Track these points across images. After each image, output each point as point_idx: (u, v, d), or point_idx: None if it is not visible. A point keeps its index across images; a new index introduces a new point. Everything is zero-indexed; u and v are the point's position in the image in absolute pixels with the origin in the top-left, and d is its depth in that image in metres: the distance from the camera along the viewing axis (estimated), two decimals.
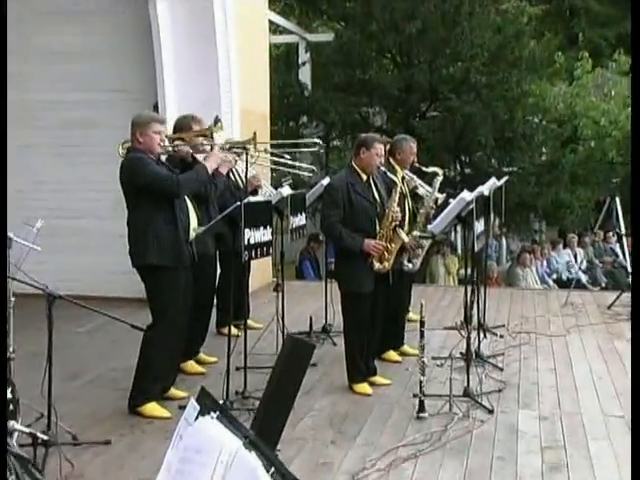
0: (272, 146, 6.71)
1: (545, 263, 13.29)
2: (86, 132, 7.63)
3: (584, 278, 12.62)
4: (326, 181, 6.31)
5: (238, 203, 4.41)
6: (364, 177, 5.03)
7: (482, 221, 5.43)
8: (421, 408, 4.59)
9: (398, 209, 5.00)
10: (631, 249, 5.41)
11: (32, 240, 4.11)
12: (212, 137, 4.92)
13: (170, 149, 4.67)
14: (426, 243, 5.65)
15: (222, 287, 6.24)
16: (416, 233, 5.46)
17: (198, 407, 1.50)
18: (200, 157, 4.89)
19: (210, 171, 4.62)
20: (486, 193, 5.94)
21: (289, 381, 1.68)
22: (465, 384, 4.95)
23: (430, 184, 6.04)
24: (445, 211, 4.98)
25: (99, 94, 7.79)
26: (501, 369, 5.58)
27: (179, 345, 4.77)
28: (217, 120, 4.89)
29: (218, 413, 1.46)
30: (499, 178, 6.99)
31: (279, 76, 13.49)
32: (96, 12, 7.77)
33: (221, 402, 4.55)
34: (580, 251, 13.53)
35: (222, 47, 7.60)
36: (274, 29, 14.94)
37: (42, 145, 7.92)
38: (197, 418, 1.49)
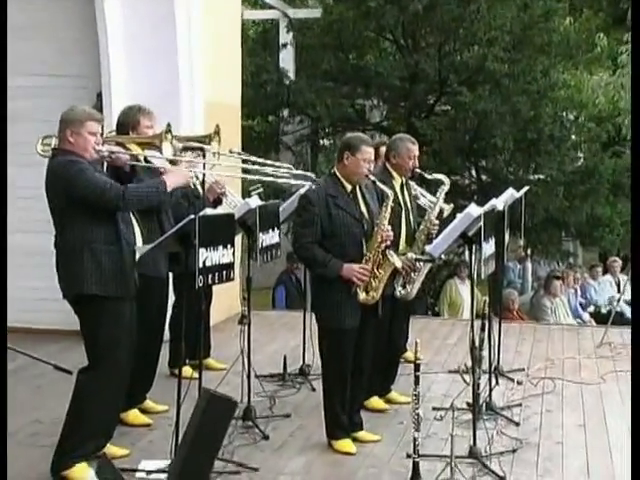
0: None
1: (580, 292, 13.31)
2: (10, 126, 7.60)
3: (628, 312, 12.62)
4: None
5: (192, 216, 4.40)
6: (348, 187, 5.03)
7: (493, 242, 5.44)
8: (415, 472, 4.57)
9: (389, 227, 4.99)
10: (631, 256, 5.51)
11: None
12: (160, 148, 4.93)
13: (105, 154, 4.66)
14: (424, 266, 5.66)
15: (175, 318, 6.24)
16: (411, 255, 5.46)
17: None
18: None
19: (169, 189, 4.63)
20: (500, 207, 5.96)
21: (205, 444, 1.67)
22: (471, 442, 4.93)
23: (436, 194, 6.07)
24: (447, 229, 4.99)
25: (28, 79, 7.76)
26: (517, 424, 5.58)
27: (120, 392, 4.75)
28: (168, 129, 4.90)
29: None
30: (520, 188, 7.01)
31: (254, 60, 13.56)
32: None
33: (167, 463, 4.52)
34: (624, 278, 13.53)
35: (182, 24, 7.63)
36: (249, 2, 15.05)
37: None
38: None
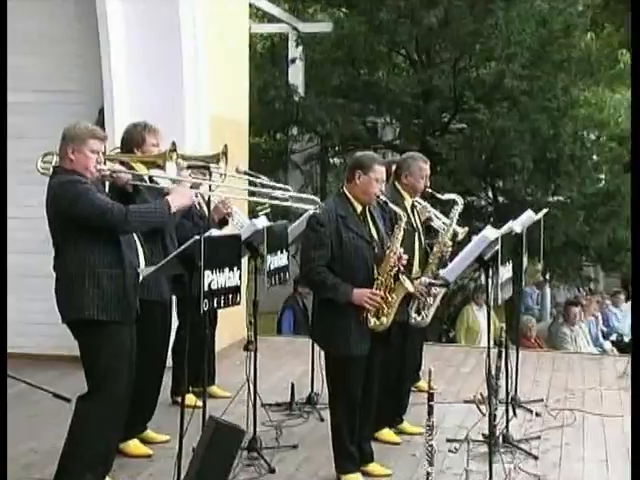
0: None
1: (601, 320, 13.27)
2: (11, 143, 7.64)
3: None
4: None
5: (196, 237, 4.41)
6: (359, 208, 5.03)
7: (510, 266, 5.44)
8: None
9: (401, 250, 4.99)
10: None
11: None
12: (163, 167, 4.95)
13: (107, 174, 4.69)
14: (439, 291, 5.66)
15: (179, 344, 6.24)
16: (425, 279, 5.46)
17: None
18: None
19: (174, 210, 4.65)
20: (518, 230, 5.96)
21: (211, 476, 1.68)
22: (487, 478, 4.90)
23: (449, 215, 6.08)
24: (462, 253, 4.99)
25: (27, 95, 7.82)
26: (536, 457, 5.56)
27: (119, 421, 4.75)
28: (173, 148, 4.92)
29: None
30: (538, 210, 7.01)
31: (262, 76, 13.61)
32: None
33: None
34: None
35: (188, 38, 7.68)
36: (257, 15, 15.13)
37: None
38: None
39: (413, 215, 5.84)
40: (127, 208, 4.50)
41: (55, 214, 4.52)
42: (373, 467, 5.17)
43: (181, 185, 4.78)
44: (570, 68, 13.11)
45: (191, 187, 5.42)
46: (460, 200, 6.12)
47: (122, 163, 5.06)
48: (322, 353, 5.84)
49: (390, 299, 4.95)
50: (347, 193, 5.04)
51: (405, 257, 4.99)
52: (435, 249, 5.86)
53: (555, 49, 13.04)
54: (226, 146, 5.87)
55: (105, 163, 4.70)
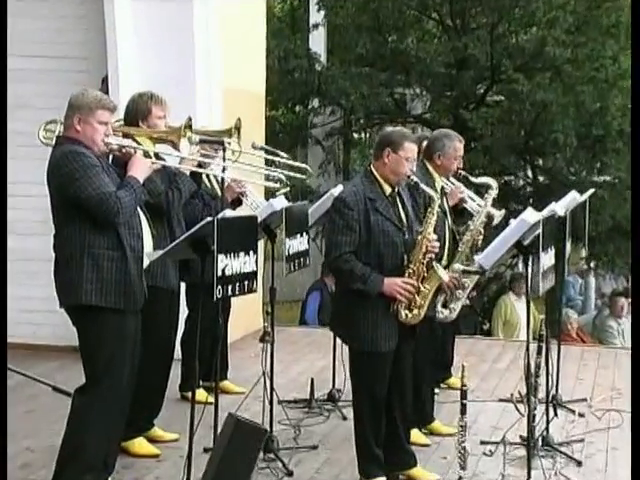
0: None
1: None
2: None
3: None
4: (339, 190, 6.32)
5: (209, 219, 4.41)
6: (387, 190, 5.00)
7: (552, 252, 5.41)
8: None
9: (435, 236, 4.96)
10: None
11: None
12: (177, 145, 4.94)
13: (115, 147, 4.68)
14: (470, 282, 5.63)
15: (188, 334, 6.26)
16: (458, 266, 5.42)
17: None
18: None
19: (141, 181, 4.64)
20: (561, 213, 5.92)
21: (230, 474, 1.68)
22: None
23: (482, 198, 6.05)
24: (499, 237, 4.96)
25: (22, 61, 7.77)
26: (579, 462, 5.53)
27: (121, 417, 4.76)
28: (189, 124, 4.91)
29: None
30: (583, 191, 6.98)
31: (280, 43, 13.59)
32: None
33: None
34: None
35: (199, 1, 7.67)
36: None
37: None
38: None
39: (443, 198, 5.81)
40: (120, 201, 4.44)
41: (55, 188, 4.51)
42: (416, 471, 5.15)
43: (135, 157, 4.73)
44: (619, 34, 12.99)
45: (199, 166, 5.43)
46: (495, 184, 6.07)
47: (127, 136, 5.04)
48: (345, 347, 5.85)
49: (423, 289, 4.92)
50: (375, 172, 5.00)
51: (438, 244, 4.97)
52: (466, 237, 5.81)
53: (603, 12, 12.94)
54: (239, 119, 5.86)
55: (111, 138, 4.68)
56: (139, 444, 5.44)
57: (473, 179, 6.15)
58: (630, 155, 12.67)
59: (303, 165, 6.69)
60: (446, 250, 5.68)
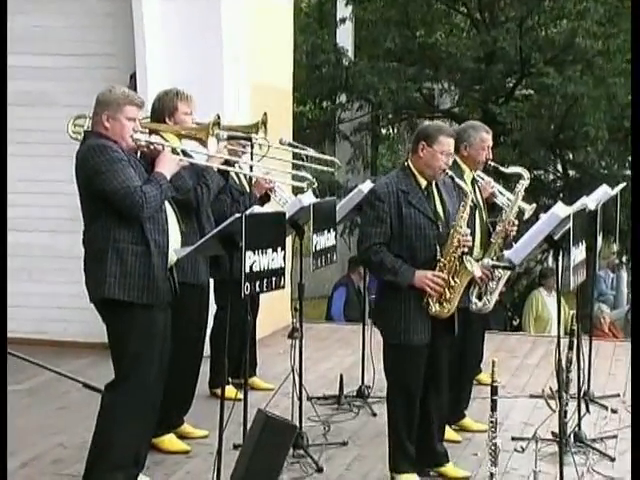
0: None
1: None
2: (34, 111, 7.73)
3: None
4: (367, 186, 6.31)
5: (237, 215, 4.42)
6: (423, 183, 5.00)
7: (583, 247, 5.38)
8: None
9: (468, 230, 4.95)
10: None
11: None
12: (205, 142, 4.95)
13: (143, 144, 4.70)
14: (502, 274, 5.61)
15: (217, 331, 6.28)
16: (488, 261, 5.41)
17: None
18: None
19: (168, 178, 4.66)
20: (592, 207, 5.88)
21: (260, 471, 1.69)
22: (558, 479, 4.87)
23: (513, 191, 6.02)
24: (529, 232, 4.93)
25: (55, 59, 7.85)
26: (612, 459, 5.51)
27: (151, 413, 4.78)
28: (217, 121, 4.92)
29: None
30: (614, 185, 6.94)
31: (308, 38, 13.60)
32: None
33: None
34: None
35: None
36: None
37: None
38: None
39: (475, 191, 5.79)
40: (145, 195, 4.45)
41: (82, 181, 4.54)
42: (448, 469, 5.15)
43: (163, 154, 4.74)
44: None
45: (226, 162, 5.43)
46: (526, 174, 6.05)
47: (155, 133, 5.06)
48: (374, 342, 5.85)
49: (454, 283, 4.91)
50: (411, 166, 5.01)
51: (470, 238, 4.96)
52: (498, 228, 5.80)
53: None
54: (266, 114, 5.87)
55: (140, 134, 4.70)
56: (169, 441, 5.46)
57: (504, 169, 6.11)
58: None
59: (331, 158, 6.69)
60: (477, 243, 5.66)
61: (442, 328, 4.98)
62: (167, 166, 4.69)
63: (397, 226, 4.88)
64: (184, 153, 5.09)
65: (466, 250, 4.95)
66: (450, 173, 5.00)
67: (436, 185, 5.05)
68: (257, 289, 4.58)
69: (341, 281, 12.12)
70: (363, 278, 7.41)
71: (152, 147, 4.72)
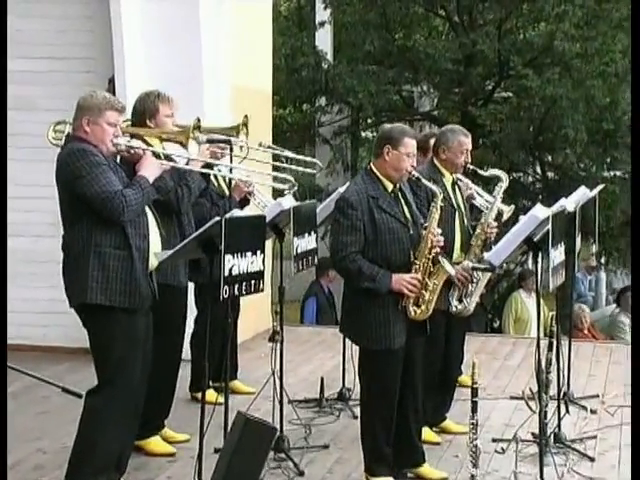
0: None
1: None
2: (13, 116, 7.69)
3: None
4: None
5: (217, 218, 4.42)
6: (389, 187, 5.01)
7: (562, 248, 5.41)
8: None
9: (439, 230, 4.97)
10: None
11: None
12: (186, 145, 4.96)
13: (123, 148, 4.70)
14: (482, 276, 5.63)
15: (198, 334, 6.27)
16: (468, 263, 5.43)
17: None
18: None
19: (151, 181, 4.66)
20: (570, 209, 5.91)
21: (240, 473, 1.70)
22: None
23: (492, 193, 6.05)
24: (509, 234, 4.96)
25: (32, 63, 7.80)
26: (592, 459, 5.53)
27: (133, 417, 4.78)
28: (198, 124, 4.92)
29: None
30: (593, 186, 6.97)
31: (287, 41, 13.60)
32: None
33: None
34: None
35: (205, 1, 7.68)
36: None
37: None
38: None
39: (454, 193, 5.80)
40: (126, 199, 4.46)
41: (62, 185, 4.54)
42: (425, 470, 5.16)
43: (145, 157, 4.75)
44: (629, 27, 12.96)
45: (207, 166, 5.43)
46: (505, 177, 6.07)
47: (136, 137, 5.05)
48: (355, 345, 5.85)
49: (430, 284, 4.93)
50: (375, 170, 5.01)
51: (442, 238, 4.97)
52: (478, 230, 5.81)
53: (612, 6, 12.90)
54: (246, 116, 5.88)
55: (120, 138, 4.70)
56: (155, 443, 5.47)
57: (482, 172, 6.13)
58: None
59: (312, 159, 6.70)
60: (458, 244, 5.68)
61: (415, 328, 4.98)
62: (150, 169, 4.70)
63: (371, 233, 4.89)
64: (166, 157, 5.10)
65: (439, 250, 4.97)
66: (416, 174, 5.02)
67: (401, 188, 5.07)
68: (236, 292, 4.58)
69: (309, 291, 12.00)
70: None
71: (132, 151, 4.73)
